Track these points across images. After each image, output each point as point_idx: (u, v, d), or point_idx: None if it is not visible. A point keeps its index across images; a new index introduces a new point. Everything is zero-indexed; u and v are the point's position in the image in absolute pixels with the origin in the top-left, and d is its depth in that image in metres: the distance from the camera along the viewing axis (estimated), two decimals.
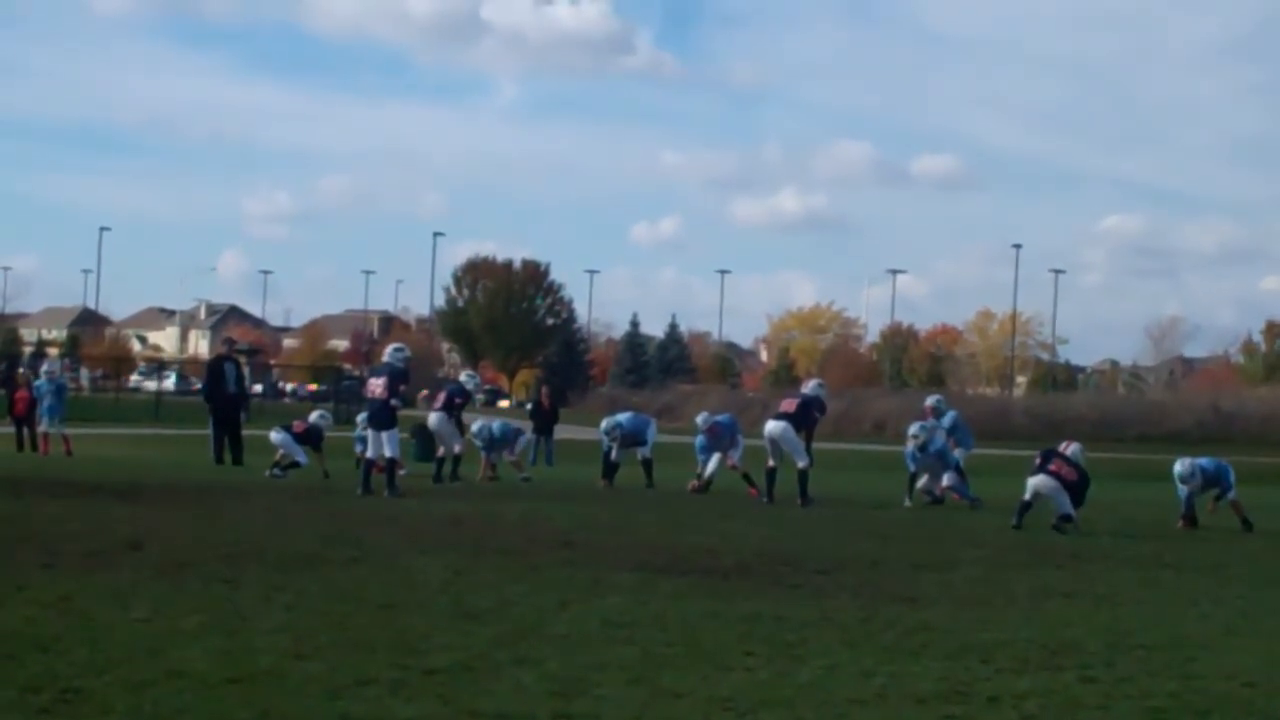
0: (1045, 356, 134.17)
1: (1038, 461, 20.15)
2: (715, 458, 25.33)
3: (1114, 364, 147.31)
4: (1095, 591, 13.05)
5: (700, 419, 26.14)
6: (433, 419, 26.20)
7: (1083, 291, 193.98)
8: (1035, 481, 19.69)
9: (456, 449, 25.77)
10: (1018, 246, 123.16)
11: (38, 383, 34.33)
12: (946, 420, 25.34)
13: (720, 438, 25.38)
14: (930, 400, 26.73)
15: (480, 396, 79.67)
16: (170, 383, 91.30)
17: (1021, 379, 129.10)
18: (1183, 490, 20.92)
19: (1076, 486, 19.62)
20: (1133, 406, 76.21)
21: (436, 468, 25.74)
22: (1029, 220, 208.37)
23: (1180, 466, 21.07)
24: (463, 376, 29.56)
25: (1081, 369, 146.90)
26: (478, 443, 27.27)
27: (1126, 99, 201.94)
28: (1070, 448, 20.63)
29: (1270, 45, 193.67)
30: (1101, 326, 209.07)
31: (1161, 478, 25.25)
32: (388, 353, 23.10)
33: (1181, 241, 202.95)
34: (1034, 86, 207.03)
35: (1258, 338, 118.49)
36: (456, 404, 26.21)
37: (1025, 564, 15.20)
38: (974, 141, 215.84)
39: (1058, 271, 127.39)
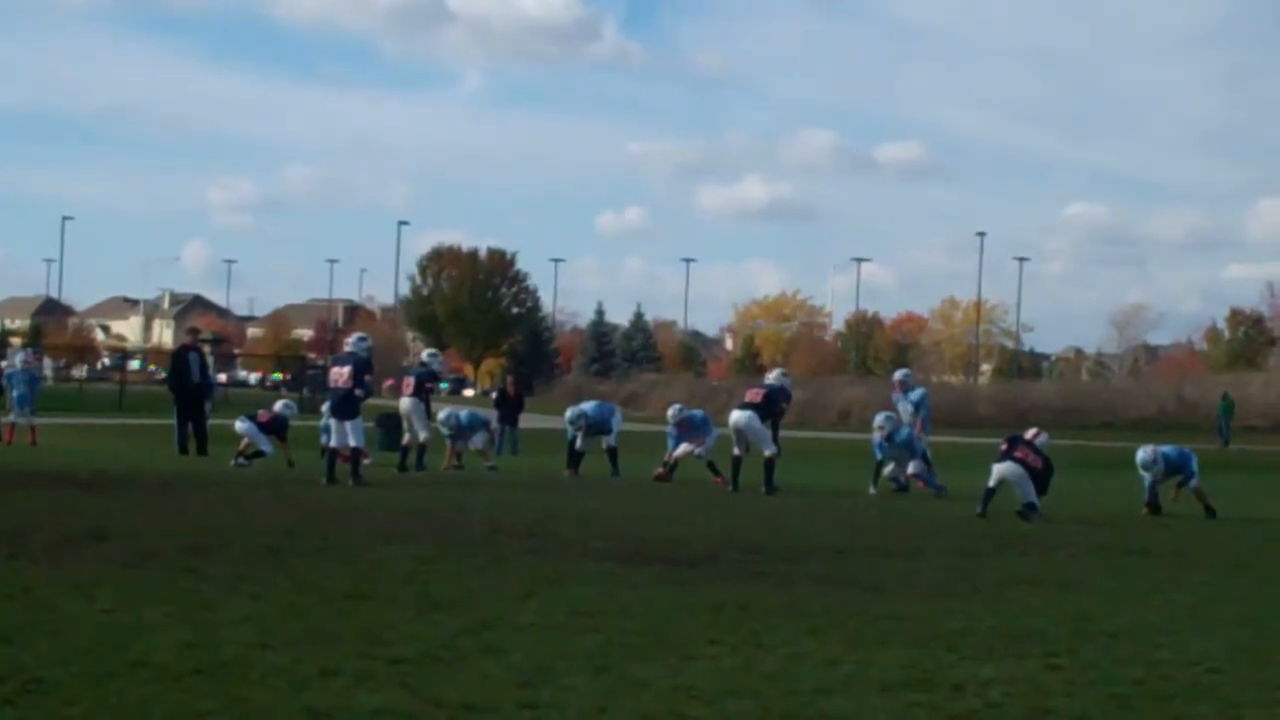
0: (1010, 344, 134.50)
1: (1003, 448, 20.21)
2: (683, 446, 25.37)
3: (1078, 352, 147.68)
4: (1060, 579, 13.09)
5: (671, 411, 26.15)
6: (405, 403, 26.12)
7: (1047, 279, 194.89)
8: (1001, 468, 19.75)
9: (423, 437, 25.71)
10: (982, 234, 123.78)
11: (11, 371, 34.14)
12: (914, 395, 25.39)
13: (690, 432, 25.41)
14: (898, 374, 26.81)
15: (445, 384, 79.55)
16: (135, 364, 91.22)
17: (986, 367, 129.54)
18: (1146, 477, 21.01)
19: (1041, 474, 19.69)
20: (1097, 394, 76.46)
21: (402, 456, 25.72)
22: (994, 208, 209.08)
23: (1142, 453, 21.15)
24: (425, 355, 29.50)
25: (1046, 357, 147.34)
26: (444, 430, 27.23)
27: (1092, 88, 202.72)
28: (1039, 437, 20.68)
29: (1236, 35, 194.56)
30: (1066, 314, 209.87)
31: (1125, 465, 25.35)
32: (351, 342, 23.01)
33: (1146, 229, 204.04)
34: (1000, 75, 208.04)
35: (1221, 325, 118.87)
36: (428, 388, 26.19)
37: (990, 552, 15.25)
38: (939, 130, 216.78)
39: (1022, 259, 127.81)
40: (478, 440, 27.66)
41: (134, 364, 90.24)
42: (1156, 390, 73.78)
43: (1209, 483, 21.52)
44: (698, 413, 26.51)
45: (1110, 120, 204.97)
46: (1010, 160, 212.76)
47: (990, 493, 19.60)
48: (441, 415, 27.58)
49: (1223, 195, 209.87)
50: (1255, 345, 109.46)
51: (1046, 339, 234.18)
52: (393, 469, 24.89)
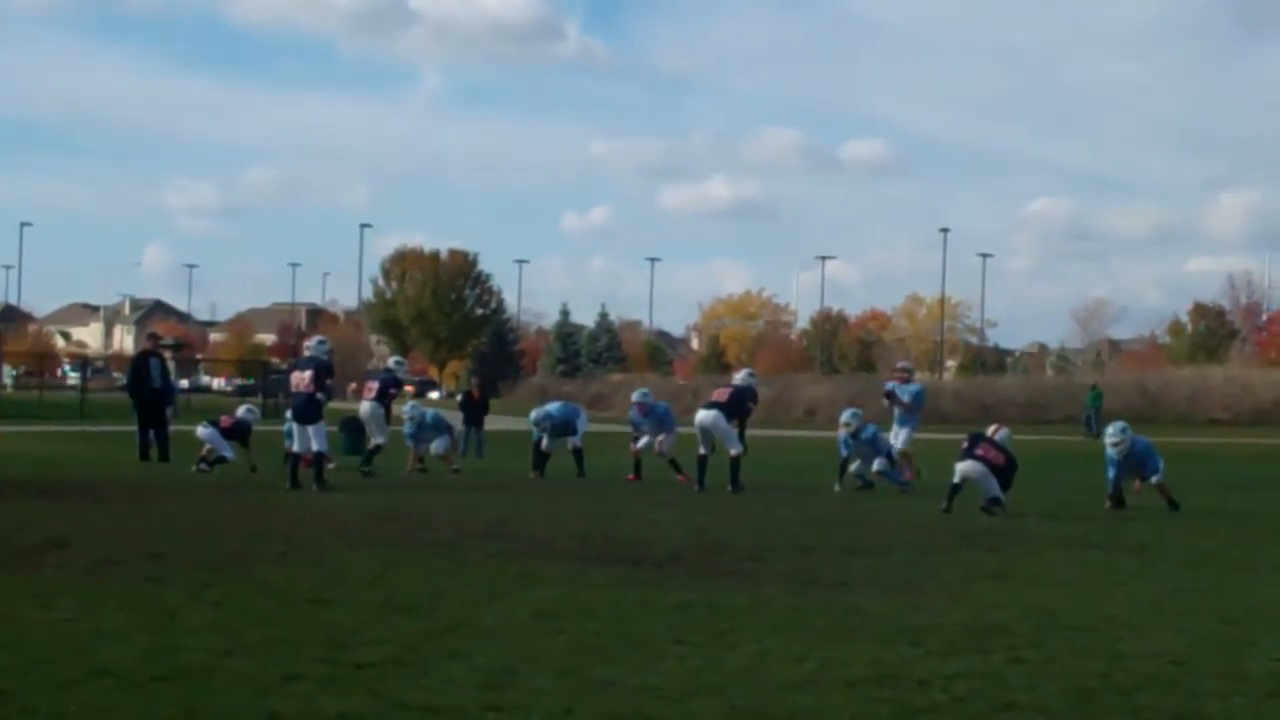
0: (974, 340, 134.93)
1: (965, 446, 20.25)
2: (644, 439, 25.38)
3: (1042, 347, 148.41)
4: (1024, 573, 13.11)
5: (636, 395, 26.12)
6: (365, 407, 26.08)
7: (1011, 275, 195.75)
8: (963, 467, 19.78)
9: (379, 440, 25.69)
10: (945, 231, 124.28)
11: None
12: (914, 386, 25.74)
13: (652, 420, 25.39)
14: (901, 364, 27.94)
15: (410, 387, 79.44)
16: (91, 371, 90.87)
17: (951, 363, 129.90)
18: (1111, 453, 20.96)
19: (1004, 470, 19.73)
20: (1061, 389, 76.60)
21: (365, 458, 25.68)
22: (957, 205, 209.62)
23: (1112, 428, 21.18)
24: (391, 363, 29.52)
25: (1010, 352, 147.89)
26: (407, 427, 27.24)
27: (1054, 84, 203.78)
28: (999, 432, 20.72)
29: (1193, 29, 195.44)
30: (1029, 310, 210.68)
31: (1089, 459, 25.40)
32: (310, 345, 22.89)
33: (1108, 225, 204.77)
34: (962, 72, 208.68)
35: (1184, 319, 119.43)
36: (391, 394, 26.18)
37: (955, 547, 15.26)
38: (903, 127, 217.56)
39: (986, 256, 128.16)
40: (439, 445, 27.62)
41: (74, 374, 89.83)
42: (1119, 384, 73.92)
43: (1171, 475, 21.54)
44: (662, 404, 26.53)
45: (1072, 116, 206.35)
46: (973, 157, 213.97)
47: (954, 489, 19.63)
48: (406, 408, 27.60)
49: (1183, 190, 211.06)
50: (1217, 338, 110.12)
51: (1010, 335, 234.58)
52: (356, 473, 24.82)
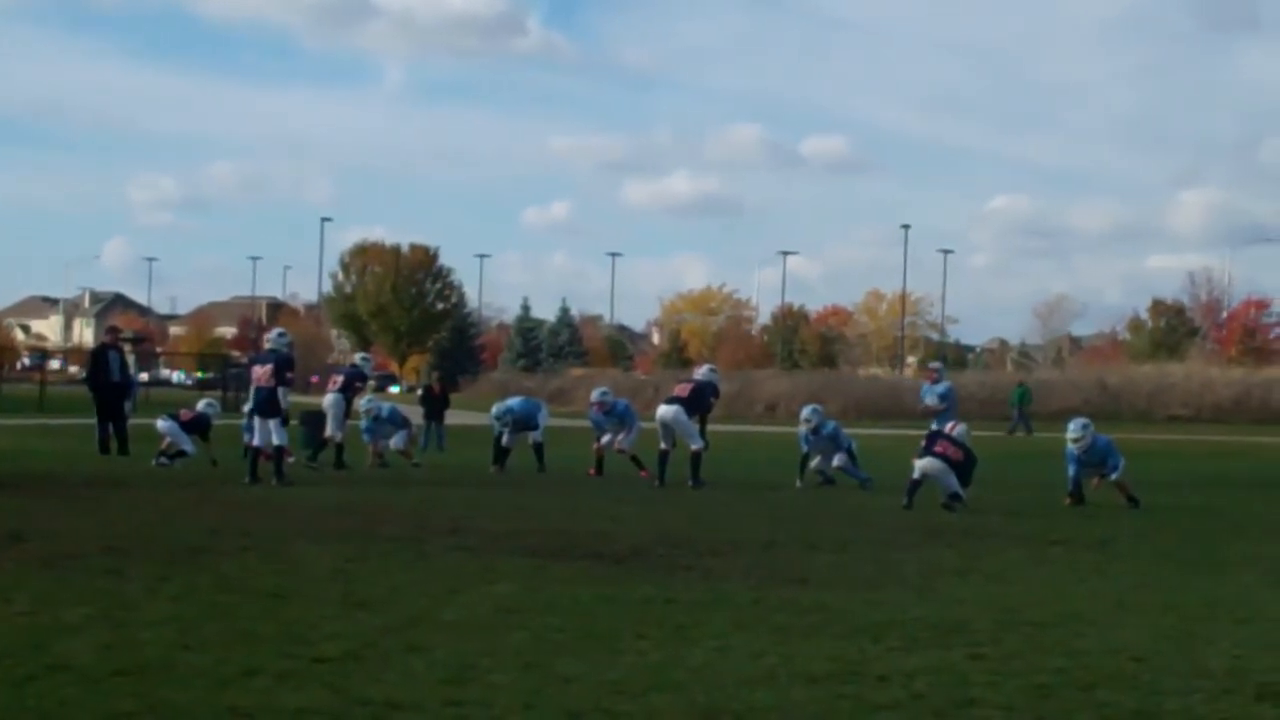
0: (935, 336, 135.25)
1: (923, 443, 20.30)
2: (606, 437, 25.38)
3: (1003, 343, 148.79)
4: (984, 569, 13.14)
5: (596, 394, 26.08)
6: (328, 398, 26.23)
7: (972, 271, 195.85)
8: (922, 464, 19.83)
9: (338, 436, 25.69)
10: (906, 227, 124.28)
11: None
12: (940, 388, 26.56)
13: (612, 418, 25.40)
14: (933, 364, 29.76)
15: (372, 381, 79.30)
16: (55, 363, 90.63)
17: (912, 359, 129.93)
18: (1072, 449, 21.01)
19: (963, 466, 19.78)
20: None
21: (316, 449, 25.71)
22: (918, 201, 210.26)
23: (1074, 424, 21.23)
24: (358, 359, 29.43)
25: (971, 348, 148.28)
26: (364, 421, 27.23)
27: (1014, 81, 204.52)
28: (957, 429, 20.79)
29: (1154, 26, 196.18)
30: (990, 306, 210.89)
31: (1049, 455, 25.47)
32: (271, 338, 22.82)
33: (1069, 221, 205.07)
34: (925, 68, 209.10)
35: (1144, 315, 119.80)
36: (356, 388, 26.26)
37: (915, 543, 15.29)
38: (864, 123, 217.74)
39: (946, 252, 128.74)
40: (398, 440, 27.62)
41: (54, 363, 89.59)
42: (1080, 380, 74.14)
43: (1132, 471, 21.61)
44: (622, 401, 26.52)
45: (1032, 113, 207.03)
46: (934, 153, 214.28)
47: (914, 485, 19.68)
48: (363, 402, 27.59)
49: (1144, 187, 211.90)
50: (1177, 335, 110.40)
51: (971, 331, 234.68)
52: (320, 468, 24.77)
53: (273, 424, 21.49)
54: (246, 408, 23.41)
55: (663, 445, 23.28)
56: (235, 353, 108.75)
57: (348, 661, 8.10)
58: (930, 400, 26.29)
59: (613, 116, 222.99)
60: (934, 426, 24.81)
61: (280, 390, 21.56)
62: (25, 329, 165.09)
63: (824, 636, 9.22)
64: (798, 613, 10.17)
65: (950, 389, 26.67)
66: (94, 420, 29.20)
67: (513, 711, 7.09)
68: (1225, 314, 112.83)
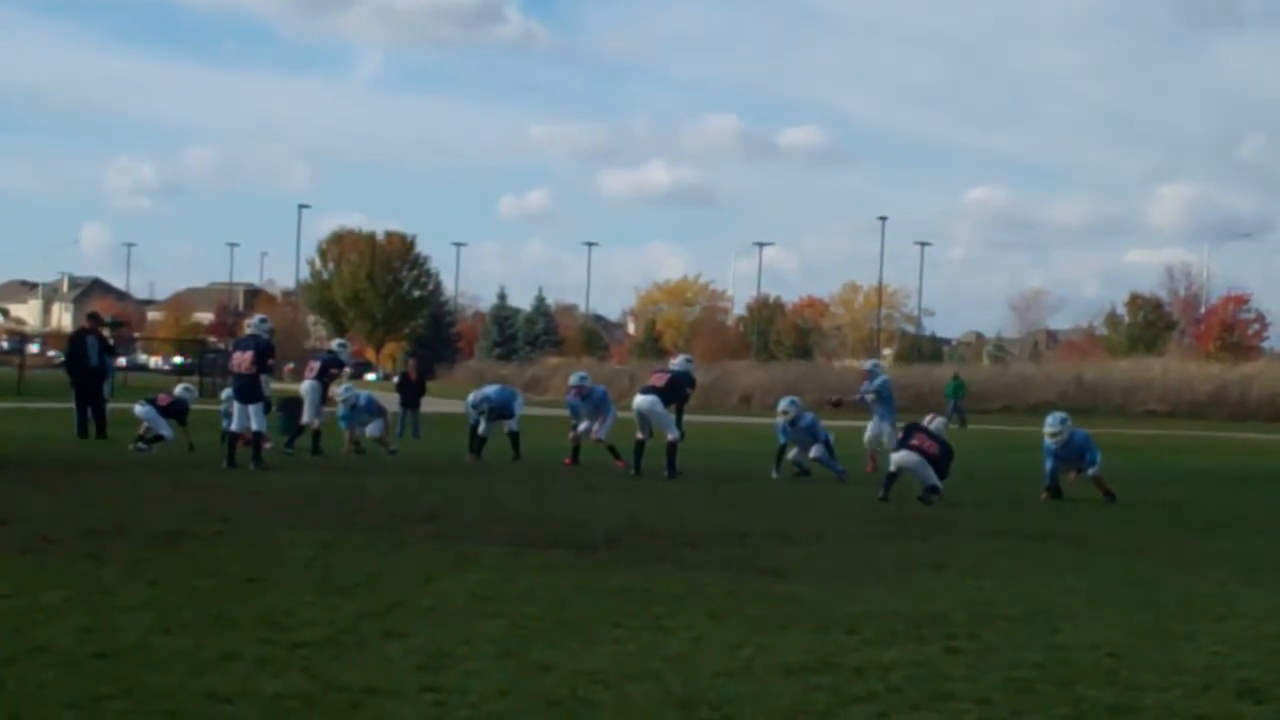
0: (911, 329, 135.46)
1: (900, 437, 20.33)
2: (583, 425, 25.36)
3: (979, 336, 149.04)
4: (961, 563, 13.16)
5: (574, 378, 26.01)
6: (304, 385, 26.31)
7: (948, 264, 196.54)
8: (898, 457, 19.88)
9: (316, 423, 25.71)
10: (883, 219, 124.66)
11: None
12: (875, 383, 27.03)
13: (589, 404, 25.34)
14: (867, 363, 30.07)
15: (349, 369, 79.18)
16: (34, 347, 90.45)
17: (888, 351, 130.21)
18: (1049, 444, 21.05)
19: (939, 459, 19.81)
20: (997, 378, 76.96)
21: (292, 435, 25.73)
22: (895, 193, 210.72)
23: (1051, 419, 21.29)
24: (334, 345, 29.41)
25: (947, 341, 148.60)
26: (340, 409, 27.21)
27: (992, 72, 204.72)
28: (934, 422, 20.83)
29: (1137, 20, 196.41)
30: (967, 299, 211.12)
31: (1026, 449, 25.53)
32: (252, 324, 22.82)
33: (1046, 214, 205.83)
34: (901, 60, 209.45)
35: (1121, 310, 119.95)
36: (332, 374, 26.30)
37: (892, 536, 15.32)
38: (841, 115, 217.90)
39: (923, 244, 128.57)
40: (374, 428, 27.63)
41: (33, 347, 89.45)
42: (1056, 374, 74.39)
43: (1108, 466, 21.66)
44: (600, 387, 26.50)
45: (1010, 105, 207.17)
46: (911, 145, 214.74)
47: (891, 478, 19.73)
48: (340, 390, 27.58)
49: (1122, 181, 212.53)
50: (1155, 330, 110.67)
51: (947, 324, 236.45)
52: (299, 453, 24.75)
53: (252, 409, 21.48)
54: (225, 394, 23.39)
55: (639, 435, 23.28)
56: (213, 338, 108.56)
57: (325, 647, 8.11)
58: (869, 397, 26.59)
59: (590, 106, 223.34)
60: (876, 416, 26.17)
61: (262, 377, 21.58)
62: (4, 313, 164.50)
63: (799, 628, 9.24)
64: (773, 604, 10.19)
65: (885, 383, 27.26)
66: (72, 404, 29.17)
67: (489, 699, 7.10)
68: (1203, 309, 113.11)
